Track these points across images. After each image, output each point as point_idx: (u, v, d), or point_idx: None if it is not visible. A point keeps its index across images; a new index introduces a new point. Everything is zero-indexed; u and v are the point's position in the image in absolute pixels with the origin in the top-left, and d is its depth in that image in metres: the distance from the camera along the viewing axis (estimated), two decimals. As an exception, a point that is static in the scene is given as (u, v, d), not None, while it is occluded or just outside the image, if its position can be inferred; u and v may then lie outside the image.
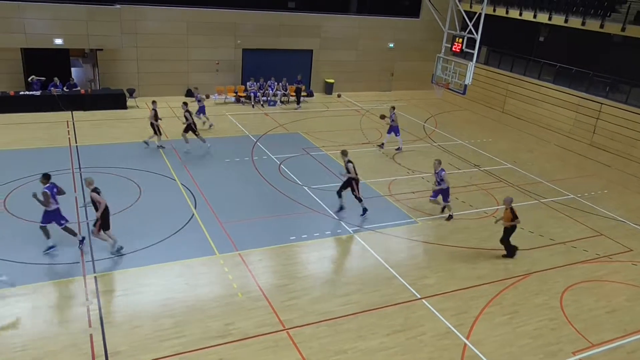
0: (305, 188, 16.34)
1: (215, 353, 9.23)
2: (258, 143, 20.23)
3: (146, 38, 24.75)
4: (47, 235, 11.74)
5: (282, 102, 26.51)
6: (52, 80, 22.72)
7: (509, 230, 12.85)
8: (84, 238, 12.13)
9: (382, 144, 20.81)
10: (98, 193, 11.65)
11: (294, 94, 26.31)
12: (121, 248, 12.03)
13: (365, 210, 14.64)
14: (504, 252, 13.16)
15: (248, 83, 26.32)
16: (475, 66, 19.04)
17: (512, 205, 12.71)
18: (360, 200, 14.56)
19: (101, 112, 22.39)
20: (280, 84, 26.52)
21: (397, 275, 12.00)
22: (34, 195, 11.26)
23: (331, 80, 29.31)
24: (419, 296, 11.31)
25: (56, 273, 11.11)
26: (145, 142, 18.73)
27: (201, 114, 21.36)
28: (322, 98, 28.54)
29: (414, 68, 31.08)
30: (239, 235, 13.17)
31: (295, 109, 25.78)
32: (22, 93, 22.04)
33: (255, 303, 10.66)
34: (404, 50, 30.67)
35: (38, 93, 22.16)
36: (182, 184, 15.93)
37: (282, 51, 27.82)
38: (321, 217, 14.56)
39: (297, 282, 11.52)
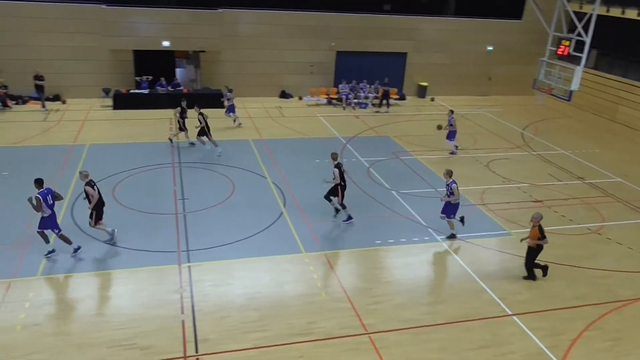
0: (394, 192, 16.12)
1: (297, 350, 9.33)
2: (348, 145, 20.28)
3: (244, 41, 25.73)
4: (46, 240, 11.56)
5: (373, 104, 26.38)
6: (159, 80, 24.32)
7: (534, 251, 11.60)
8: (79, 247, 11.82)
9: (456, 147, 19.95)
10: (92, 186, 11.83)
11: (385, 96, 26.09)
12: (112, 238, 12.30)
13: (349, 217, 14.00)
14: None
15: (340, 85, 26.50)
16: (583, 71, 17.76)
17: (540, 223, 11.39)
18: (343, 207, 13.91)
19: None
20: (372, 86, 26.43)
21: (486, 289, 11.46)
22: (29, 200, 11.06)
23: (425, 84, 28.75)
24: (510, 312, 10.72)
25: (155, 260, 11.80)
26: (203, 142, 18.62)
27: (231, 113, 21.65)
28: (415, 101, 28.06)
29: (514, 72, 29.63)
30: (325, 236, 13.26)
31: (385, 111, 25.53)
32: (132, 91, 23.79)
33: (338, 304, 10.66)
34: (504, 53, 29.33)
35: (146, 91, 23.81)
36: (272, 182, 16.34)
37: (376, 54, 27.70)
38: (409, 222, 14.28)
39: (381, 287, 11.36)
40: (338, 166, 13.62)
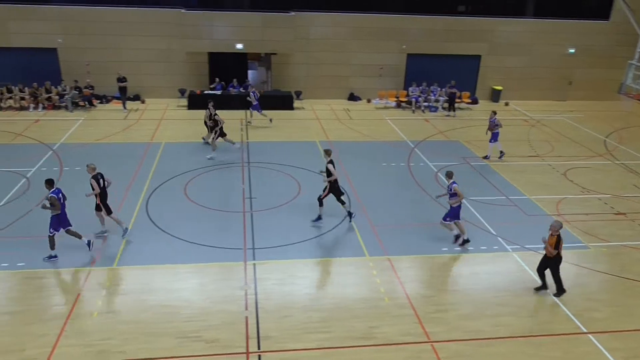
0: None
1: (358, 354, 9.27)
2: (415, 149, 19.95)
3: (314, 43, 25.98)
4: (52, 245, 11.61)
5: (443, 108, 25.80)
6: (231, 82, 25.08)
7: (550, 262, 10.84)
8: (89, 241, 11.99)
9: (501, 153, 19.03)
10: (98, 180, 12.21)
11: (450, 99, 25.29)
12: (105, 232, 12.72)
13: (319, 217, 13.67)
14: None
15: (410, 88, 26.14)
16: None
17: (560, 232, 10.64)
18: (321, 204, 13.54)
19: (270, 111, 24.01)
20: (443, 89, 25.86)
21: (559, 303, 10.86)
22: (43, 206, 11.36)
23: (499, 87, 27.76)
24: (585, 330, 10.09)
25: (222, 256, 12.14)
26: (232, 142, 18.83)
27: (256, 110, 21.85)
28: (488, 105, 27.14)
29: (597, 76, 27.92)
30: (389, 240, 13.10)
31: (452, 116, 24.86)
32: (206, 92, 24.67)
33: (400, 310, 10.49)
34: (587, 56, 27.72)
35: (219, 92, 24.62)
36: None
37: (448, 56, 27.09)
38: (477, 230, 13.81)
39: (446, 295, 11.07)
40: (332, 162, 13.29)
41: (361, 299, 10.81)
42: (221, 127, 18.26)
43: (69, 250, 12.08)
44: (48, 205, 11.33)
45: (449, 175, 12.87)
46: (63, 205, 11.62)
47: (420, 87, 26.04)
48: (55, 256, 11.71)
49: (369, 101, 26.94)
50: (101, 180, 12.46)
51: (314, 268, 11.85)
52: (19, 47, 24.14)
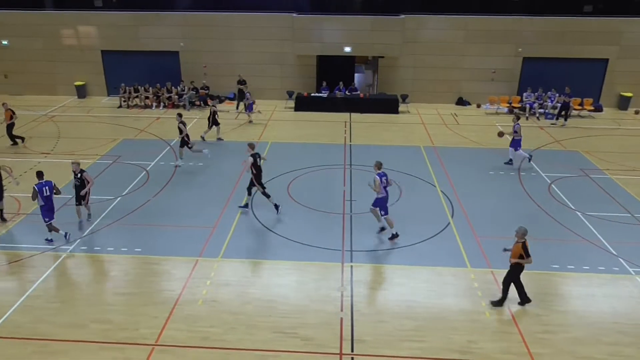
0: (579, 213, 14.46)
1: (454, 368, 8.90)
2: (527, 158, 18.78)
3: (423, 46, 25.48)
4: (51, 230, 12.56)
5: (554, 116, 24.01)
6: (337, 84, 25.37)
7: (514, 270, 10.24)
8: (66, 233, 12.70)
9: (530, 156, 18.07)
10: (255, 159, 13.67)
11: (563, 108, 23.26)
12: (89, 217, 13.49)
13: (246, 205, 14.47)
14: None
15: (525, 94, 24.71)
16: None
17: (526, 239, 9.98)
18: (249, 193, 14.58)
19: (375, 115, 23.99)
20: (562, 96, 24.09)
21: (691, 338, 9.61)
22: (33, 197, 12.22)
23: (628, 94, 25.29)
24: None
25: (321, 256, 12.28)
26: (220, 138, 20.03)
27: (249, 111, 22.72)
28: (614, 114, 24.90)
29: None
30: (494, 252, 12.42)
31: (561, 124, 22.97)
32: (313, 95, 25.19)
33: (503, 327, 9.90)
34: None
35: (325, 95, 25.02)
36: (441, 191, 15.88)
37: (569, 60, 25.22)
38: (594, 249, 12.67)
39: (555, 316, 10.25)
40: (254, 156, 13.96)
41: (460, 310, 10.36)
42: (183, 137, 17.41)
43: (182, 240, 12.92)
44: (36, 196, 12.29)
45: (377, 165, 13.07)
46: (48, 198, 12.35)
47: (536, 93, 24.51)
48: (52, 240, 12.71)
49: (478, 106, 25.88)
50: (258, 159, 13.97)
51: (411, 275, 11.58)
52: (146, 50, 26.36)
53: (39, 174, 12.61)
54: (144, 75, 26.20)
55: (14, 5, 26.24)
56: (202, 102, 25.34)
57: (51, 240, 12.74)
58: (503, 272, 11.63)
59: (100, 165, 17.62)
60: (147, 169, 17.37)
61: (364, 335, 9.64)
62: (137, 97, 25.50)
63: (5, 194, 14.06)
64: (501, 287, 10.61)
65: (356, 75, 28.52)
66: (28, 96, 26.95)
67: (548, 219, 14.18)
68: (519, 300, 10.53)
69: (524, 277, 10.41)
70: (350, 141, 20.50)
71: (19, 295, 10.75)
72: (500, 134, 18.10)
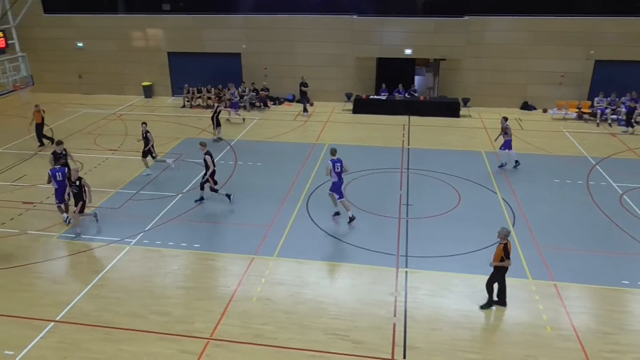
0: (652, 226, 13.58)
1: (511, 383, 8.55)
2: (597, 166, 17.83)
3: (487, 48, 24.76)
4: (62, 212, 13.96)
5: (637, 122, 22.63)
6: (397, 87, 25.10)
7: (497, 272, 10.13)
8: (68, 218, 13.91)
9: (516, 163, 17.61)
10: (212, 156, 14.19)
11: (630, 113, 21.77)
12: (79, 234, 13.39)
13: (202, 199, 15.06)
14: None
15: (596, 99, 23.49)
16: None
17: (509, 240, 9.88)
18: (215, 191, 14.88)
19: (435, 118, 23.53)
20: (630, 100, 22.70)
21: None
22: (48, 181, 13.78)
23: None
24: None
25: (375, 260, 12.16)
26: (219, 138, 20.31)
27: (237, 111, 23.56)
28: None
29: None
30: (557, 264, 11.87)
31: (631, 132, 21.58)
32: (371, 97, 25.05)
33: (565, 343, 9.42)
34: None
35: (384, 97, 24.81)
36: (502, 198, 15.35)
37: (646, 63, 23.75)
38: (670, 265, 11.83)
39: (625, 335, 9.64)
40: (208, 153, 14.65)
41: (519, 323, 9.96)
42: (149, 147, 17.00)
43: (239, 238, 13.19)
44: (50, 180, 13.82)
45: (331, 152, 14.08)
46: (60, 183, 13.71)
47: (609, 98, 23.25)
48: (66, 220, 13.88)
49: (544, 111, 24.86)
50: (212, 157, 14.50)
51: (468, 283, 11.24)
52: (210, 52, 27.12)
53: (57, 158, 14.74)
54: (207, 77, 26.97)
55: (89, 10, 27.73)
56: (261, 104, 25.77)
57: (66, 220, 13.91)
58: (568, 285, 11.15)
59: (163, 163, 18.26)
60: (208, 167, 17.83)
61: (417, 342, 9.45)
62: (199, 97, 26.28)
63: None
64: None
65: (416, 77, 28.11)
66: (99, 95, 28.38)
67: (618, 231, 13.38)
68: (496, 299, 10.44)
69: (586, 291, 9.88)
70: (409, 145, 20.22)
71: (85, 284, 11.31)
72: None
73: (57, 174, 13.79)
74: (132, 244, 12.96)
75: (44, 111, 20.15)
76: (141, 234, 13.40)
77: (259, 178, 17.02)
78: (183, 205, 15.01)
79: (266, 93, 26.08)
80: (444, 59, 25.38)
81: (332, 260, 12.17)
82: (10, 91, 19.68)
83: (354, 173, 17.23)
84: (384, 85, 25.48)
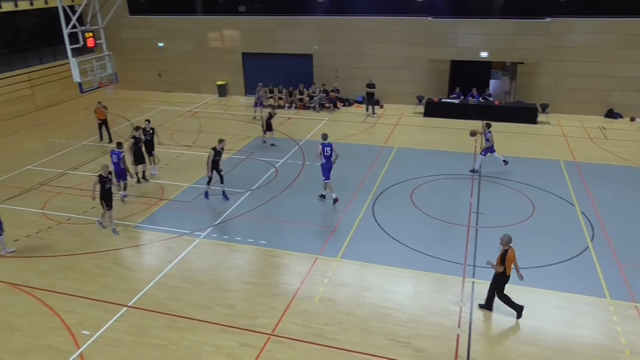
0: None
1: (584, 408, 8.03)
2: (690, 181, 16.44)
3: (569, 52, 23.49)
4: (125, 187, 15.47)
5: None
6: (470, 91, 24.38)
7: (497, 279, 9.96)
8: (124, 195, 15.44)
9: (504, 162, 17.30)
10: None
11: None
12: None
13: (206, 193, 15.39)
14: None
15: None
16: None
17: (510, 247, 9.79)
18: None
19: (510, 124, 22.62)
20: None
21: None
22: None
23: None
24: None
25: (440, 268, 11.85)
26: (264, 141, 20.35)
27: (258, 107, 23.58)
28: None
29: None
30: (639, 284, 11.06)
31: None
32: (443, 100, 24.47)
33: (647, 370, 8.74)
34: None
35: (457, 101, 24.17)
36: (581, 211, 14.48)
37: None
38: None
39: None
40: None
41: (594, 344, 9.34)
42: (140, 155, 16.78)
43: (304, 237, 13.30)
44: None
45: (322, 136, 15.05)
46: (117, 164, 15.04)
47: None
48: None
49: (632, 120, 23.25)
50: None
51: (540, 299, 10.69)
52: (282, 53, 27.58)
53: (119, 144, 15.60)
54: (279, 77, 27.44)
55: (170, 12, 29.04)
56: (331, 105, 25.88)
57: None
58: (651, 308, 10.36)
59: (234, 160, 18.77)
60: (277, 166, 18.13)
61: (481, 356, 9.11)
62: (271, 97, 26.78)
63: (149, 176, 16.95)
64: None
65: (491, 81, 27.15)
66: (177, 93, 29.63)
67: None
68: (482, 303, 10.38)
69: None
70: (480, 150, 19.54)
71: (157, 273, 11.82)
72: (472, 134, 17.69)
73: (113, 155, 15.35)
74: (201, 237, 13.39)
75: (105, 107, 21.04)
76: (210, 228, 13.82)
77: (333, 181, 17.04)
78: (251, 202, 15.34)
79: (336, 94, 26.16)
80: (522, 63, 24.35)
81: (396, 265, 11.98)
82: (96, 88, 20.88)
83: (423, 177, 16.91)
84: (457, 89, 24.82)
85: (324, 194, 15.40)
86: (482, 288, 11.02)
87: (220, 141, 15.30)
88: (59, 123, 24.37)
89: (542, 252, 12.33)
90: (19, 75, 25.91)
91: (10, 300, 10.95)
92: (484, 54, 23.80)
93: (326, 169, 14.91)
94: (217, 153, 15.08)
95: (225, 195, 15.44)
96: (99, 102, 21.15)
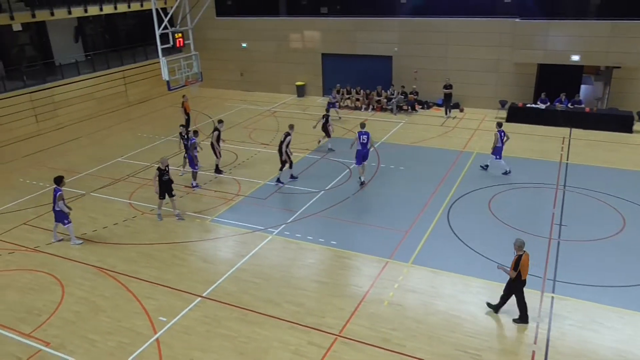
0: None
1: None
2: None
3: (675, 56, 21.61)
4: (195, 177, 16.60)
5: None
6: (558, 96, 23.08)
7: (510, 283, 9.80)
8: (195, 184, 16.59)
9: (487, 167, 17.32)
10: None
11: None
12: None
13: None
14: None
15: None
16: None
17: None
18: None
19: (602, 132, 21.18)
20: None
21: None
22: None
23: None
24: None
25: (516, 279, 11.31)
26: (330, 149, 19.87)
27: (333, 108, 23.35)
28: None
29: None
30: None
31: None
32: (528, 105, 23.34)
33: None
34: None
35: (543, 107, 22.96)
36: (679, 229, 13.28)
37: None
38: None
39: None
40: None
41: (692, 377, 8.52)
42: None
43: (375, 240, 13.20)
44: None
45: (361, 125, 16.19)
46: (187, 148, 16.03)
47: None
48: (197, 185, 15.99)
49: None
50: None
51: (628, 320, 9.90)
52: (361, 54, 27.53)
53: (195, 132, 16.79)
54: (357, 78, 27.42)
55: (254, 14, 29.90)
56: (409, 107, 25.50)
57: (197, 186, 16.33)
58: None
59: (309, 160, 18.99)
60: (351, 167, 18.12)
61: (559, 377, 8.59)
62: (348, 98, 26.83)
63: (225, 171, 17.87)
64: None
65: (582, 86, 25.53)
66: (257, 93, 30.47)
67: None
68: (494, 304, 10.25)
69: None
70: (567, 159, 18.46)
71: (230, 266, 12.20)
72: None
73: (191, 142, 16.34)
74: (274, 233, 13.66)
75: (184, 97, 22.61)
76: (283, 226, 14.06)
77: (400, 182, 16.84)
78: (324, 202, 15.43)
79: (415, 97, 25.73)
80: (619, 67, 22.70)
81: (470, 275, 11.57)
82: (182, 86, 21.94)
83: (503, 185, 16.24)
84: (543, 95, 23.58)
85: (362, 179, 16.51)
86: (563, 304, 10.42)
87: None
88: (147, 118, 25.85)
89: (632, 270, 11.44)
90: (115, 73, 27.75)
91: (98, 283, 11.74)
92: (575, 58, 22.43)
93: (360, 156, 16.24)
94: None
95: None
96: (184, 96, 22.61)
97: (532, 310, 10.24)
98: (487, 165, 17.49)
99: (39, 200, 16.15)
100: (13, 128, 22.77)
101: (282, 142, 16.42)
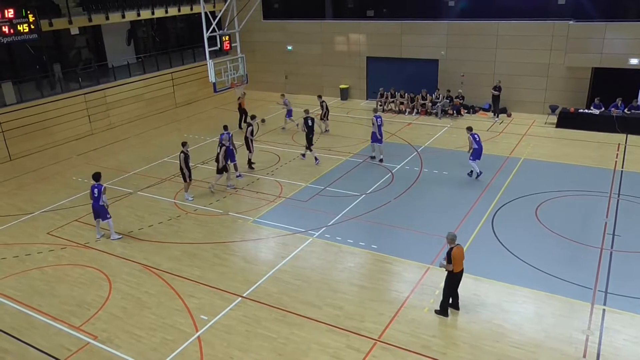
0: None
1: None
2: None
3: None
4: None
5: None
6: (614, 101, 22.11)
7: (446, 278, 9.93)
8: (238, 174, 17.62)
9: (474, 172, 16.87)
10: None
11: None
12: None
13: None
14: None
15: None
16: None
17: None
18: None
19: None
20: None
21: None
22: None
23: None
24: None
25: (566, 291, 10.87)
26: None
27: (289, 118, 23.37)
28: None
29: None
30: None
31: None
32: (581, 111, 22.47)
33: None
34: None
35: (597, 112, 22.04)
36: None
37: None
38: None
39: None
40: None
41: None
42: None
43: (417, 245, 13.00)
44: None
45: (374, 110, 17.86)
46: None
47: None
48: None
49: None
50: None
51: (687, 339, 9.34)
52: (407, 57, 27.25)
53: (225, 127, 17.62)
54: (401, 82, 27.15)
55: (300, 16, 30.13)
56: (455, 112, 25.03)
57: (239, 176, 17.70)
58: None
59: (351, 163, 18.91)
60: (393, 171, 17.94)
61: (610, 395, 8.17)
62: (392, 102, 26.58)
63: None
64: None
65: (641, 91, 24.40)
66: (301, 95, 30.61)
67: None
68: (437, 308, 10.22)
69: None
70: (623, 167, 17.65)
71: (271, 267, 12.27)
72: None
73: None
74: (315, 236, 13.66)
75: (240, 90, 23.53)
76: (324, 228, 14.04)
77: (443, 187, 16.53)
78: (365, 205, 15.32)
79: (460, 101, 25.24)
80: (680, 71, 21.58)
81: (515, 284, 11.20)
82: (228, 88, 22.35)
83: (551, 192, 15.69)
84: (597, 100, 22.63)
85: (373, 155, 18.89)
86: (616, 317, 9.93)
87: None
88: (193, 119, 26.43)
89: None
90: (164, 75, 28.52)
91: (144, 280, 12.05)
92: (634, 61, 21.45)
93: (375, 136, 18.41)
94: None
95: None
96: (243, 94, 23.92)
97: (582, 322, 9.82)
98: (481, 172, 16.87)
99: (90, 199, 16.75)
100: (68, 128, 23.75)
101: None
